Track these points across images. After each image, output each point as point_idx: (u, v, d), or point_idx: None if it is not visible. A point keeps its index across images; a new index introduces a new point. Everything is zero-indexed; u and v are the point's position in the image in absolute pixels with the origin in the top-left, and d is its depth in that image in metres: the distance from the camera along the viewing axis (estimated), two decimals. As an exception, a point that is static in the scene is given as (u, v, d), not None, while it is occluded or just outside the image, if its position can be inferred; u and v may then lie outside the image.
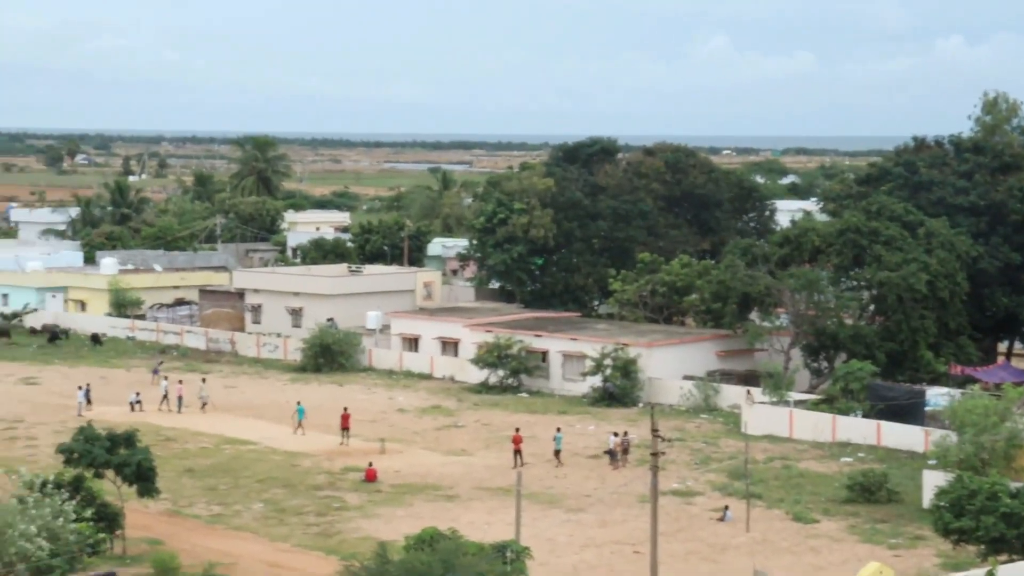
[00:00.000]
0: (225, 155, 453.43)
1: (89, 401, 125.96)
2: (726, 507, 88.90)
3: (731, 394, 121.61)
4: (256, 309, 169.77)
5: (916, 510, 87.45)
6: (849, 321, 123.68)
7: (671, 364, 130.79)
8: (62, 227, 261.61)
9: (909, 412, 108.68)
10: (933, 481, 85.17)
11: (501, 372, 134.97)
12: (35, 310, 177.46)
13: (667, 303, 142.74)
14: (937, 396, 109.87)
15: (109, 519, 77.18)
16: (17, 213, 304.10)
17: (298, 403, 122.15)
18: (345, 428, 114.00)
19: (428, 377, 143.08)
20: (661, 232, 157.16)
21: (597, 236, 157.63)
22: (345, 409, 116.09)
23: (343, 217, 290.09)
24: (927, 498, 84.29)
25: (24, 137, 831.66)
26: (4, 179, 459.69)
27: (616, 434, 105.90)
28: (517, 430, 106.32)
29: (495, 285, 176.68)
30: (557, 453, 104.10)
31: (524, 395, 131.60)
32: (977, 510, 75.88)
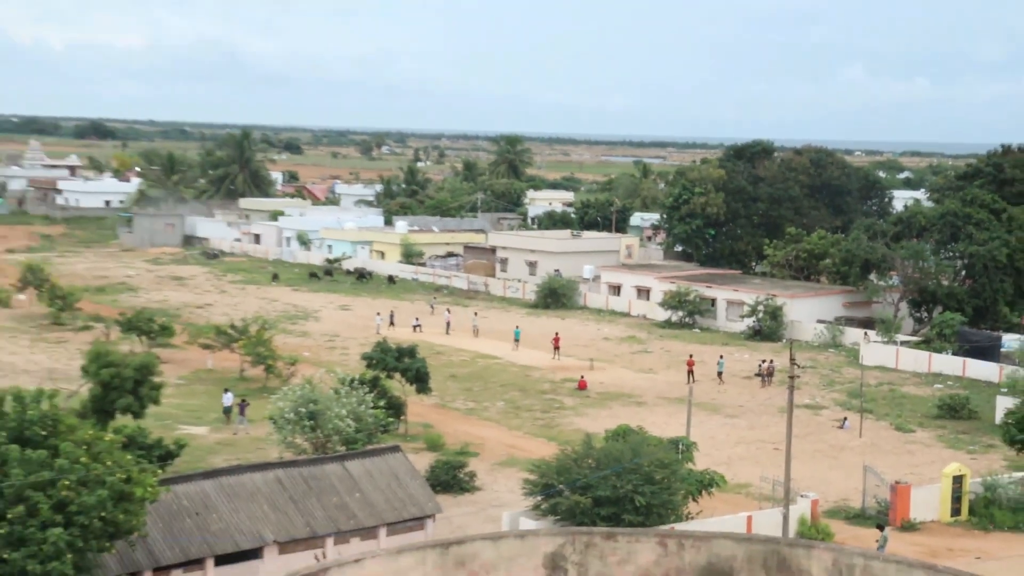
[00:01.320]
0: (486, 148, 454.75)
1: (392, 323, 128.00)
2: (844, 418, 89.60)
3: (852, 335, 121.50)
4: (504, 261, 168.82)
5: (990, 426, 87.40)
6: (945, 283, 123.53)
7: (807, 311, 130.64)
8: (370, 198, 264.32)
9: (988, 352, 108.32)
10: (1004, 404, 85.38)
11: (680, 313, 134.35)
12: (349, 257, 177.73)
13: (807, 265, 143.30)
14: (1011, 341, 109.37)
15: (396, 408, 79.66)
16: (340, 188, 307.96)
17: (516, 327, 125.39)
18: (556, 348, 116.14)
19: (626, 315, 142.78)
20: (804, 212, 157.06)
21: (756, 214, 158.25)
22: (556, 334, 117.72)
23: (569, 196, 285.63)
24: (999, 416, 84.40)
25: (347, 133, 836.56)
26: (332, 163, 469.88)
27: (764, 361, 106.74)
28: (690, 356, 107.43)
29: (678, 249, 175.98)
30: (719, 374, 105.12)
31: (696, 330, 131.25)
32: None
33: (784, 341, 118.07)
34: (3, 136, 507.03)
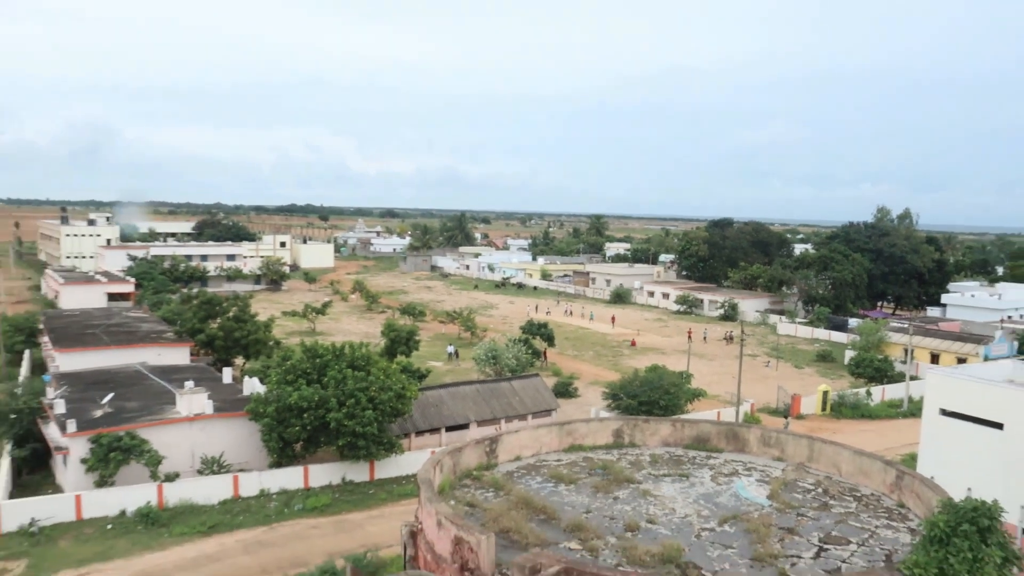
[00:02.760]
0: (584, 220, 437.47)
1: (536, 310, 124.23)
2: (768, 361, 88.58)
3: (773, 318, 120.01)
4: (593, 279, 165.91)
5: (842, 366, 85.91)
6: (820, 291, 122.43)
7: (751, 305, 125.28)
8: (525, 246, 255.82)
9: (841, 327, 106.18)
10: (849, 355, 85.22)
11: (685, 306, 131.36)
12: (513, 276, 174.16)
13: (750, 282, 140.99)
14: (853, 322, 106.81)
15: (537, 355, 79.78)
16: (510, 241, 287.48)
17: (590, 312, 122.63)
18: (612, 322, 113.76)
19: (656, 307, 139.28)
20: (749, 255, 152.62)
21: (723, 255, 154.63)
22: (613, 316, 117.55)
23: (627, 245, 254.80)
24: (847, 360, 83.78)
25: (513, 213, 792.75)
26: (504, 228, 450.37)
27: (728, 331, 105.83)
28: (690, 329, 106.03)
29: (684, 273, 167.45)
30: (704, 338, 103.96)
31: (693, 315, 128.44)
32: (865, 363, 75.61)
33: (738, 321, 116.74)
34: (355, 216, 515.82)
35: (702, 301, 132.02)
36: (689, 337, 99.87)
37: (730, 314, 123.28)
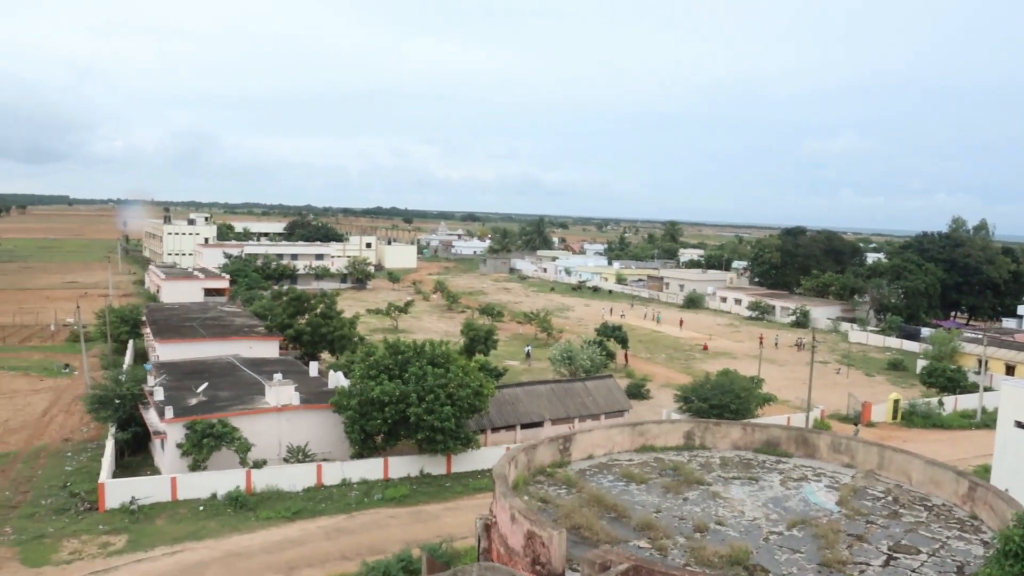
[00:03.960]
0: (659, 227, 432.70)
1: (611, 313, 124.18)
2: (839, 368, 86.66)
3: (844, 326, 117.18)
4: (667, 284, 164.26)
5: (913, 375, 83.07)
6: (892, 300, 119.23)
7: (822, 313, 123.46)
8: (601, 251, 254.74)
9: (914, 336, 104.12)
10: (921, 364, 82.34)
11: (756, 312, 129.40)
12: (589, 280, 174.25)
13: (822, 290, 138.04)
14: (926, 331, 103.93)
15: (610, 356, 79.37)
16: (587, 245, 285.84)
17: (657, 314, 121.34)
18: (680, 325, 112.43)
19: (729, 313, 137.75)
20: (821, 263, 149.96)
21: (796, 263, 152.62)
22: (681, 320, 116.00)
23: (700, 251, 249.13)
24: (918, 370, 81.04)
25: (590, 219, 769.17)
26: (581, 233, 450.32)
27: (799, 338, 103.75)
28: (761, 334, 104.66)
29: (756, 280, 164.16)
30: (776, 344, 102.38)
31: (764, 321, 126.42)
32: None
33: (809, 328, 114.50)
34: (437, 219, 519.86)
35: (774, 307, 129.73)
36: (760, 342, 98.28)
37: (801, 321, 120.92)
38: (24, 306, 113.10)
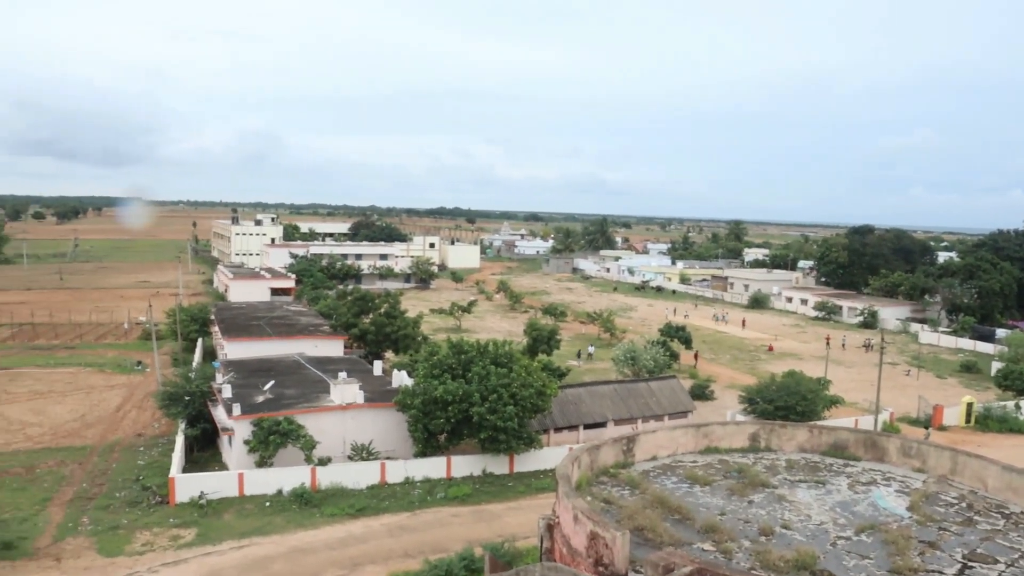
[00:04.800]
0: (723, 226, 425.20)
1: (674, 313, 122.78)
2: (909, 370, 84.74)
3: (915, 327, 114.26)
4: (731, 284, 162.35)
5: (988, 377, 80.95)
6: (965, 300, 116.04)
7: (891, 313, 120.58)
8: (664, 250, 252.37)
9: (988, 337, 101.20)
10: (996, 366, 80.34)
11: (823, 312, 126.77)
12: (652, 279, 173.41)
13: (891, 290, 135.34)
14: (1000, 332, 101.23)
15: (674, 356, 78.46)
16: (650, 245, 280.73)
17: (714, 315, 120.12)
18: (743, 325, 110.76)
19: (794, 313, 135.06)
20: (890, 262, 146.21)
21: (864, 263, 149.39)
22: (743, 319, 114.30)
23: (765, 251, 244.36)
24: (993, 372, 78.84)
25: (654, 218, 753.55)
26: (644, 232, 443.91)
27: (867, 339, 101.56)
28: (828, 335, 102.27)
29: (823, 279, 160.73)
30: (843, 345, 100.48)
31: (831, 322, 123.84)
32: None
33: (878, 328, 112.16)
34: (500, 219, 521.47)
35: (841, 308, 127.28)
36: (827, 343, 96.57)
37: (870, 321, 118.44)
38: (99, 305, 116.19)
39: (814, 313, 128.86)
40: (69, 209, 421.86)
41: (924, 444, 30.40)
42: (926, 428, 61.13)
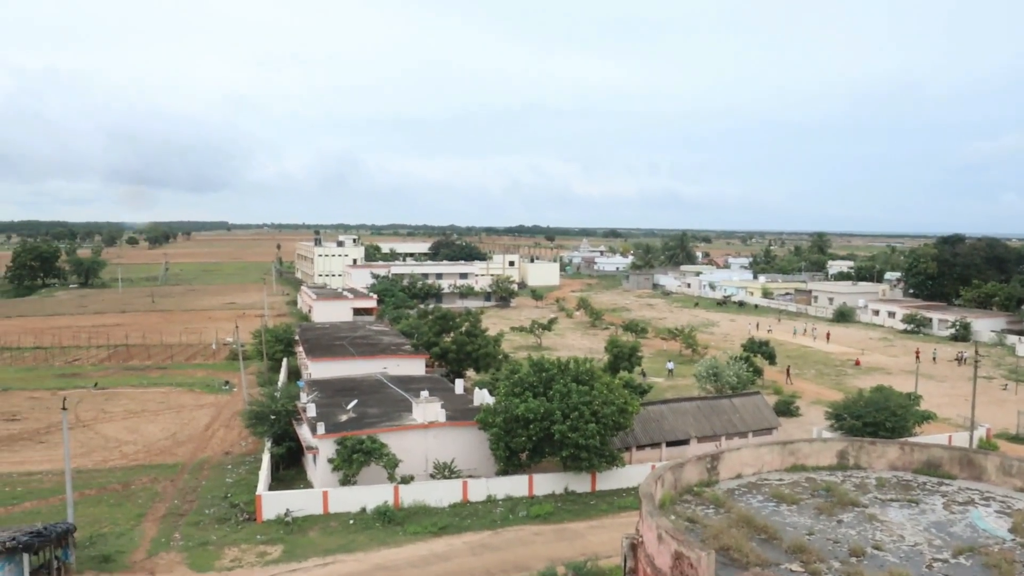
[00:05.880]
0: (807, 239, 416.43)
1: (757, 328, 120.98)
2: (1006, 384, 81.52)
3: (1011, 339, 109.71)
4: (815, 297, 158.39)
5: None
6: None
7: (985, 325, 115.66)
8: (746, 264, 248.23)
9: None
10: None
11: (912, 325, 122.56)
12: (734, 294, 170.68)
13: (985, 301, 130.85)
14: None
15: (758, 372, 76.95)
16: (731, 260, 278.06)
17: (793, 328, 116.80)
18: (827, 339, 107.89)
19: (882, 327, 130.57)
20: (982, 272, 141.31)
21: (954, 273, 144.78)
22: (828, 332, 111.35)
23: (849, 263, 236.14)
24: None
25: (734, 232, 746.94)
26: (725, 247, 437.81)
27: (960, 352, 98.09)
28: (917, 348, 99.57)
29: (911, 291, 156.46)
30: (934, 358, 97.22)
31: (920, 335, 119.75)
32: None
33: (971, 341, 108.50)
34: (579, 236, 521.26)
35: (931, 320, 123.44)
36: (917, 357, 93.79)
37: (962, 334, 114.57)
38: (189, 326, 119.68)
39: (902, 326, 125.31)
40: (160, 234, 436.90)
41: (1024, 462, 29.19)
42: (1026, 445, 58.81)
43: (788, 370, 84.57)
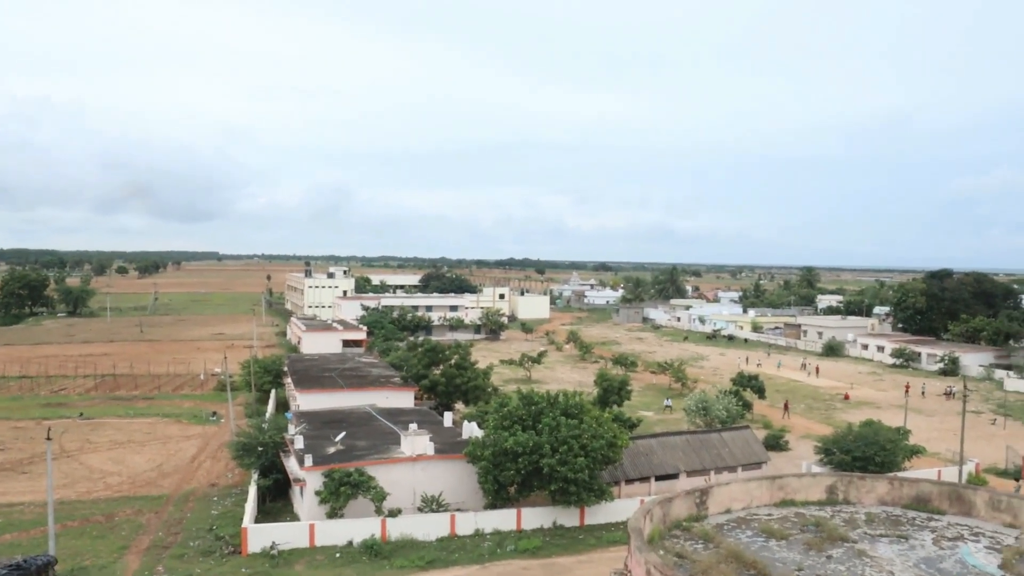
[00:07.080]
0: (796, 273, 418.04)
1: (747, 362, 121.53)
2: (995, 419, 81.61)
3: (999, 373, 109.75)
4: (805, 332, 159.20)
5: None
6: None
7: (973, 359, 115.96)
8: (735, 298, 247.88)
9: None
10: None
11: (900, 360, 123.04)
12: (723, 328, 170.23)
13: (972, 335, 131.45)
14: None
15: (747, 406, 76.87)
16: (720, 293, 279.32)
17: (778, 362, 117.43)
18: (816, 372, 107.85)
19: (871, 360, 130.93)
20: (970, 306, 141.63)
21: (942, 308, 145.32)
22: (817, 366, 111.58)
23: (839, 297, 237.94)
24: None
25: (724, 266, 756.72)
26: (715, 280, 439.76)
27: (948, 386, 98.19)
28: (907, 383, 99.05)
29: (900, 326, 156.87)
30: (923, 393, 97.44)
31: (909, 370, 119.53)
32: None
33: (960, 375, 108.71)
34: (569, 269, 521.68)
35: (919, 354, 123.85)
36: (906, 391, 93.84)
37: (950, 368, 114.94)
38: (177, 356, 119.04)
39: (891, 360, 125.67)
40: (150, 263, 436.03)
41: (1015, 497, 29.14)
42: (1016, 480, 58.71)
43: (786, 405, 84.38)
